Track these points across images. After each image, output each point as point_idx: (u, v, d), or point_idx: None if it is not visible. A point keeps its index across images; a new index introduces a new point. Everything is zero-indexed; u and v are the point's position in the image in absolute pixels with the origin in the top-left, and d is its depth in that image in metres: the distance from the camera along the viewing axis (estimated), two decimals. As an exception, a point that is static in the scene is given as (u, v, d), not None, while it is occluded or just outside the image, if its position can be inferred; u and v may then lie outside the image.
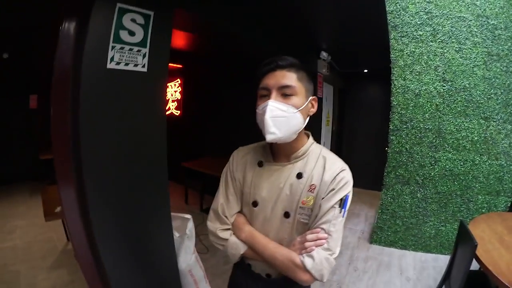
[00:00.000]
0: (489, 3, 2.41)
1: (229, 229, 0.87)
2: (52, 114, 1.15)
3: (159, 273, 1.43)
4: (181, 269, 1.54)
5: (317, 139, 4.12)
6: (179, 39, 2.75)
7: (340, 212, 0.75)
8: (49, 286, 2.07)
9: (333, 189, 0.76)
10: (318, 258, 0.73)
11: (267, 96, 0.76)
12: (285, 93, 0.75)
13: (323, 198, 0.76)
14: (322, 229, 0.75)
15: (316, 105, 0.83)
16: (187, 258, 1.55)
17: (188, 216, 1.52)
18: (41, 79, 4.09)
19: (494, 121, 2.50)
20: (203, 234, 2.92)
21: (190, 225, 1.51)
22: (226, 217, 0.86)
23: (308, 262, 0.73)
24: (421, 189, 2.72)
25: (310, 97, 0.81)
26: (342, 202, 0.76)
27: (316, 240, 0.75)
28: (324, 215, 0.75)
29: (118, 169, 1.19)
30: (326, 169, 0.78)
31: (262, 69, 0.79)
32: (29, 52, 3.27)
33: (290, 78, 0.76)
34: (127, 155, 1.22)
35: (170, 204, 1.42)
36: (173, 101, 4.90)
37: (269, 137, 0.74)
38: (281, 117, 0.74)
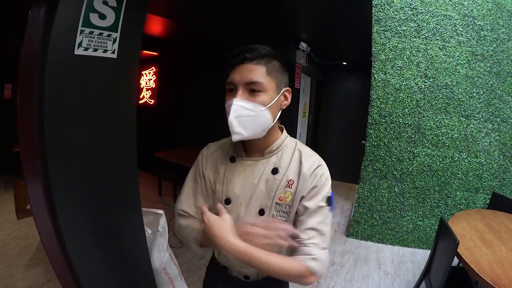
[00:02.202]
0: (477, 4, 2.42)
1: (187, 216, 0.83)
2: (18, 104, 1.07)
3: (132, 273, 1.38)
4: (155, 268, 1.50)
5: (293, 131, 4.11)
6: (155, 26, 2.66)
7: (329, 211, 0.75)
8: (26, 287, 2.01)
9: (315, 187, 0.73)
10: (323, 259, 0.72)
11: (234, 92, 0.71)
12: (252, 89, 0.69)
13: (303, 196, 0.74)
14: (317, 229, 0.73)
15: (290, 97, 0.78)
16: (161, 256, 1.51)
17: (160, 211, 1.47)
18: (17, 67, 3.94)
19: (475, 120, 2.54)
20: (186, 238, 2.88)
21: (163, 221, 1.47)
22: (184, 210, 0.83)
23: (317, 267, 0.71)
24: (398, 184, 2.75)
25: (283, 89, 0.76)
26: (328, 200, 0.75)
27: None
28: (315, 216, 0.73)
29: (85, 162, 1.13)
30: (302, 163, 0.75)
31: (229, 62, 0.73)
32: (3, 38, 3.09)
33: (257, 72, 0.69)
34: (95, 147, 1.16)
35: (140, 199, 1.37)
36: (147, 89, 4.80)
37: (234, 138, 0.70)
38: (247, 116, 0.69)
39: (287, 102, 0.78)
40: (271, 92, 0.72)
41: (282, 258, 0.73)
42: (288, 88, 0.77)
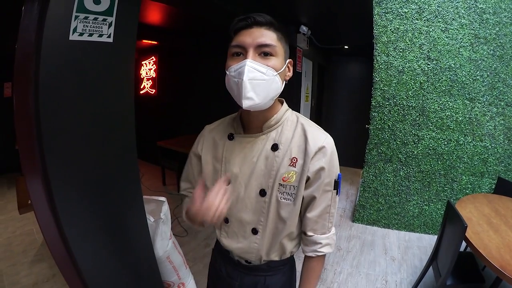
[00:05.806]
0: (478, -14, 2.36)
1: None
2: (15, 94, 1.05)
3: (135, 262, 1.36)
4: (158, 256, 1.48)
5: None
6: (154, 14, 2.63)
7: (337, 194, 0.75)
8: (32, 283, 2.02)
9: (322, 169, 0.69)
10: (332, 239, 0.78)
11: (242, 56, 0.66)
12: (264, 52, 0.65)
13: (309, 177, 0.70)
14: (324, 215, 0.75)
15: (292, 69, 0.75)
16: (164, 244, 1.49)
17: (163, 198, 1.45)
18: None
19: (479, 103, 2.49)
20: (182, 217, 2.88)
21: (165, 208, 1.44)
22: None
23: (329, 249, 0.78)
24: (404, 167, 2.72)
25: (288, 60, 0.72)
26: (336, 184, 0.73)
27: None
28: (322, 202, 0.73)
29: (83, 151, 1.10)
30: (308, 139, 0.70)
31: (236, 25, 0.68)
32: (2, 36, 3.07)
33: (270, 36, 0.66)
34: (93, 134, 1.13)
35: (141, 187, 1.34)
36: (147, 79, 4.77)
37: (245, 103, 0.63)
38: (260, 80, 0.63)
39: (290, 74, 0.74)
40: (281, 59, 0.68)
41: (308, 279, 0.80)
42: (291, 60, 0.74)
